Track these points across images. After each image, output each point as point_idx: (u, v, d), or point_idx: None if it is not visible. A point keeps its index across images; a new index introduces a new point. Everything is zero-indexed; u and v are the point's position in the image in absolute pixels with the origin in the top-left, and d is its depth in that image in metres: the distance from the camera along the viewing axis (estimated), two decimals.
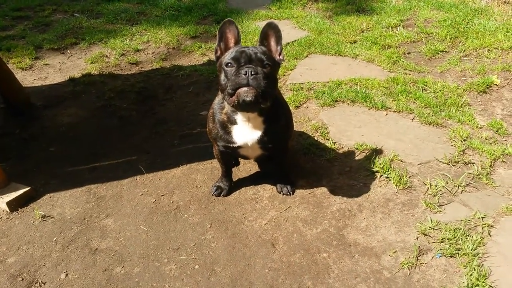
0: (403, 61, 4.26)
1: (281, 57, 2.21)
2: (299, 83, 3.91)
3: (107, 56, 4.86)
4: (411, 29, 5.05)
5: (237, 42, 2.19)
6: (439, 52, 4.43)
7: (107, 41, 5.19)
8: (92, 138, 3.37)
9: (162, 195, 2.70)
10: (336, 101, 3.58)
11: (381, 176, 2.72)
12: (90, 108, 3.82)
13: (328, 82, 3.90)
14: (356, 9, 5.75)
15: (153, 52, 4.94)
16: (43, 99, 4.01)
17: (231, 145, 2.33)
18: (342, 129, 3.21)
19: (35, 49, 5.08)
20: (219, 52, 2.20)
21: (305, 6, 6.10)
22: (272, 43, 2.20)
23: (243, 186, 2.75)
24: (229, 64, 2.06)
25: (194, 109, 3.69)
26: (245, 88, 1.98)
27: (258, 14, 5.71)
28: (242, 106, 2.05)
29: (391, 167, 2.77)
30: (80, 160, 3.08)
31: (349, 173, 2.78)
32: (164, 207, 2.61)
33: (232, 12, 5.86)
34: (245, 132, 2.27)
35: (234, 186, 2.73)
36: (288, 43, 4.78)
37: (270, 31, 2.17)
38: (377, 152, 2.93)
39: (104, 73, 4.45)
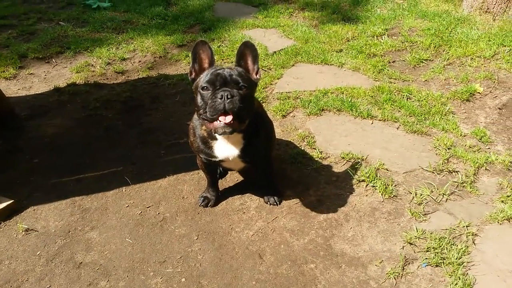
0: (388, 70, 4.31)
1: (257, 76, 2.21)
2: (286, 92, 3.93)
3: (92, 65, 4.83)
4: (395, 37, 5.11)
5: (211, 63, 2.18)
6: (423, 61, 4.49)
7: (93, 50, 5.16)
8: (77, 148, 3.33)
9: (148, 207, 2.68)
10: (323, 110, 3.60)
11: (367, 185, 2.74)
12: (75, 118, 3.78)
13: (314, 91, 3.92)
14: (342, 18, 5.80)
15: (139, 61, 4.92)
16: (27, 109, 3.96)
17: (213, 159, 2.33)
18: (329, 138, 3.23)
19: (20, 58, 5.02)
20: (193, 74, 2.20)
21: (291, 15, 6.15)
22: (249, 62, 2.20)
23: (230, 196, 2.74)
24: (205, 88, 2.06)
25: (180, 119, 3.68)
26: (222, 124, 1.99)
27: (245, 23, 5.74)
28: (219, 134, 2.08)
29: (377, 176, 2.79)
30: (65, 172, 3.05)
31: (336, 183, 2.79)
32: (150, 219, 2.59)
33: (219, 20, 5.86)
34: (226, 147, 2.27)
35: (221, 196, 2.73)
36: (275, 52, 4.81)
37: (247, 51, 2.17)
38: (363, 161, 2.95)
39: (89, 82, 4.42)
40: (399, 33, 5.21)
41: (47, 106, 4.01)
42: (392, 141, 3.16)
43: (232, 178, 2.91)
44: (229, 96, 1.98)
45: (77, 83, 4.41)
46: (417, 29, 5.22)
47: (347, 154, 3.00)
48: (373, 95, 3.79)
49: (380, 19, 5.57)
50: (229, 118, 1.98)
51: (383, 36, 5.10)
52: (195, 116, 2.37)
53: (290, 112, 3.63)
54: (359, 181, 2.77)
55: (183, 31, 5.63)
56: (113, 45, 5.30)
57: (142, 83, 4.39)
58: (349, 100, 3.68)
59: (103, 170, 3.06)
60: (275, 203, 2.63)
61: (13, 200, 2.68)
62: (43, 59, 5.07)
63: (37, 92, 4.32)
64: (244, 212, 2.61)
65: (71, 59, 5.06)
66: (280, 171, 2.91)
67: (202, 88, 2.06)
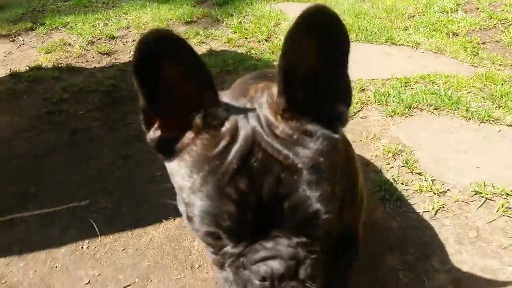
0: (484, 53, 3.03)
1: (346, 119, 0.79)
2: None
3: (70, 44, 3.56)
4: (474, 14, 3.83)
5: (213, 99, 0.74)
6: None
7: (74, 27, 3.90)
8: (25, 164, 2.07)
9: (127, 286, 1.39)
10: (411, 107, 2.31)
11: None
12: (31, 115, 2.52)
13: (389, 79, 2.63)
14: None
15: (133, 40, 3.64)
16: None
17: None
18: (438, 155, 1.93)
19: None
20: (156, 127, 0.79)
21: None
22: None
23: None
24: (210, 235, 0.76)
25: None
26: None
27: None
28: None
29: None
30: None
31: (478, 243, 1.49)
32: None
33: None
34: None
35: None
36: None
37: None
38: None
39: (61, 65, 3.15)
40: (477, 9, 3.92)
41: None
42: None
43: None
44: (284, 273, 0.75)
45: (43, 66, 3.14)
46: (500, 4, 3.94)
47: (484, 186, 1.70)
48: (481, 87, 2.50)
49: None
50: None
51: (458, 12, 3.82)
52: None
53: (359, 111, 2.34)
54: None
55: (192, 5, 4.35)
56: (100, 20, 4.05)
57: None
58: (449, 93, 2.39)
59: (57, 204, 1.78)
60: None
61: None
62: (7, 36, 3.84)
63: None
64: None
65: (43, 37, 3.81)
66: (366, 218, 1.61)
67: (205, 235, 0.77)
